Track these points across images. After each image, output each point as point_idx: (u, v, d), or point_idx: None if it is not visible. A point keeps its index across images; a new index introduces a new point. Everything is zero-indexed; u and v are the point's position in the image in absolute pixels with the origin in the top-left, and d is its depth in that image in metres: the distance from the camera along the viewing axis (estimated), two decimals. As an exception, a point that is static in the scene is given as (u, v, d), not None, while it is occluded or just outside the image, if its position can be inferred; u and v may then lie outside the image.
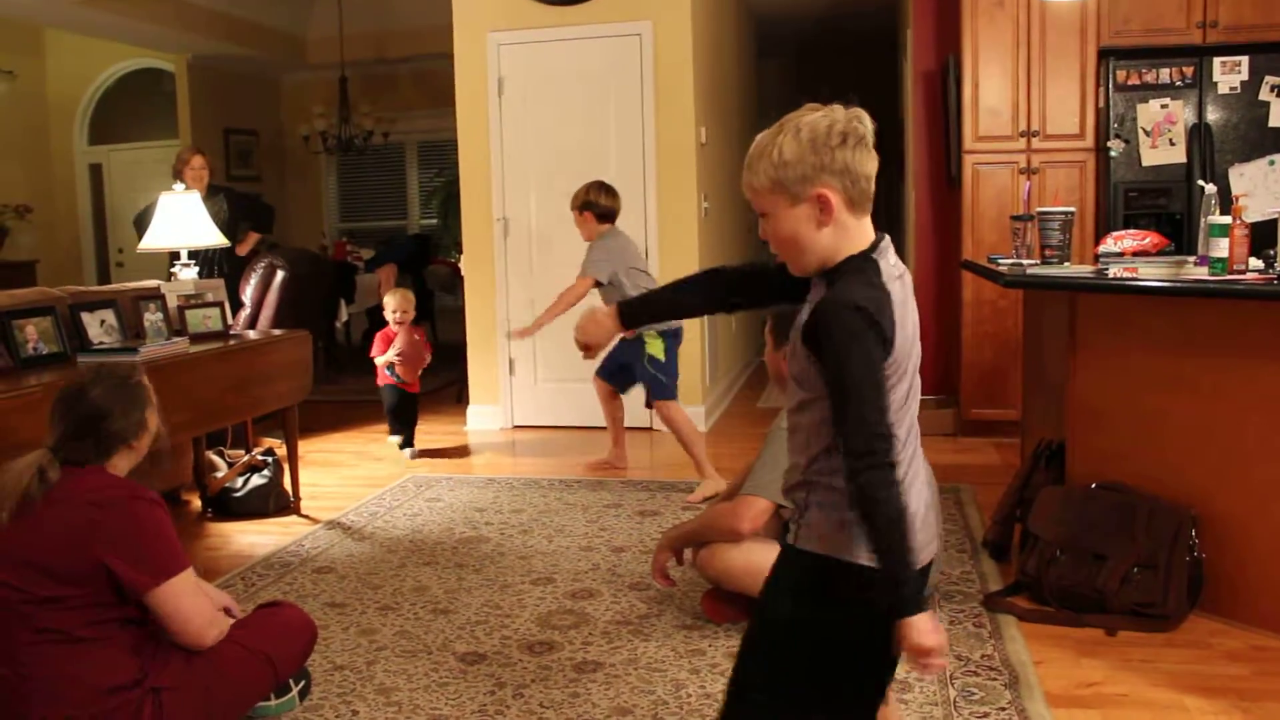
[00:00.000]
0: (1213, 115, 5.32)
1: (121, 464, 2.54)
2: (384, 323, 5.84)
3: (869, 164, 1.69)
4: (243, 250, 6.57)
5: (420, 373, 5.91)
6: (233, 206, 6.49)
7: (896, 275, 1.72)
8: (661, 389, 5.02)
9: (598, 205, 4.99)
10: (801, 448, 1.76)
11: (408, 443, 5.86)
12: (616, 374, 5.18)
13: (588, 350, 2.10)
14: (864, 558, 1.66)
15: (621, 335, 2.53)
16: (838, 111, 1.69)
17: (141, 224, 5.85)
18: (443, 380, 7.63)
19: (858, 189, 1.68)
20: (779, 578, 1.80)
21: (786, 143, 1.67)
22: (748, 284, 2.05)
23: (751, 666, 1.81)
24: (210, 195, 6.30)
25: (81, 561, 2.35)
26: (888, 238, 1.76)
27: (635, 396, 5.28)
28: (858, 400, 1.60)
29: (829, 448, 1.69)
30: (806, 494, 1.75)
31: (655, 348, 4.97)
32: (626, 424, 5.53)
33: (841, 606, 1.71)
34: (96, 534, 2.36)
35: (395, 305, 5.74)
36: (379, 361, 5.80)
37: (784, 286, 1.87)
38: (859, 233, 1.71)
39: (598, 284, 4.97)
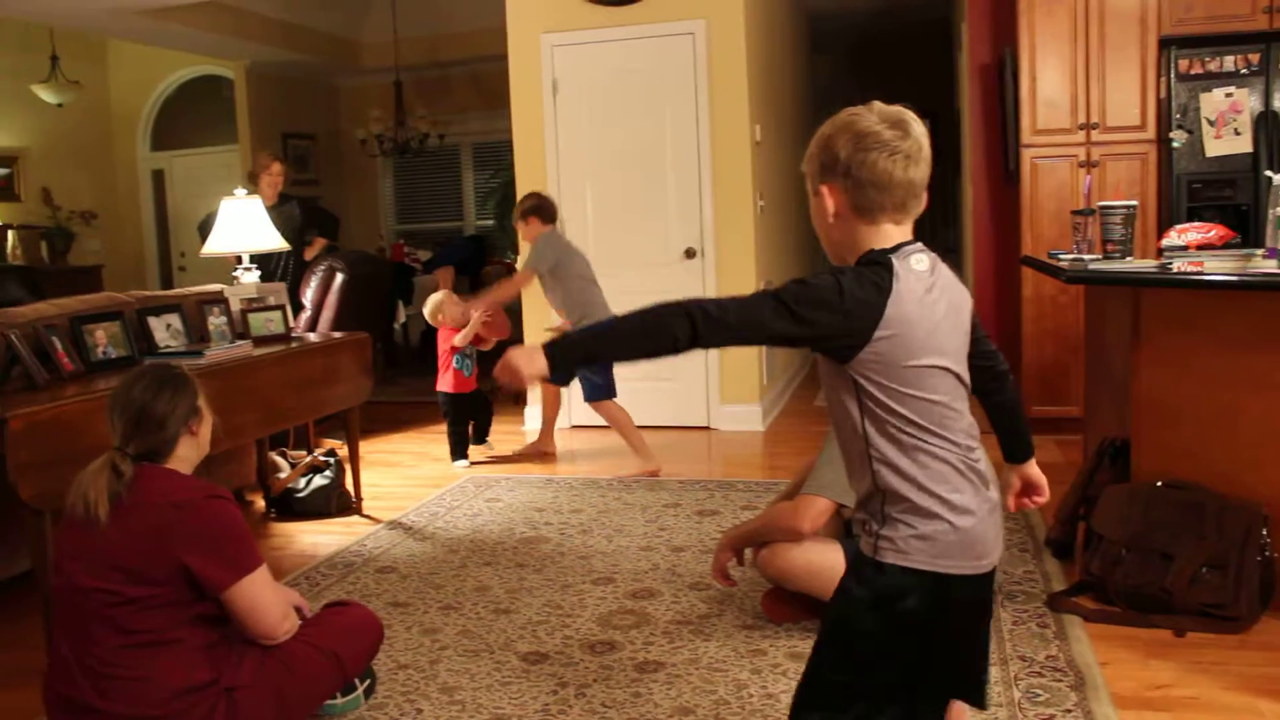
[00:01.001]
0: (1280, 103, 5.21)
1: (187, 454, 2.59)
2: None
3: (888, 172, 1.66)
4: (310, 255, 6.69)
5: (496, 343, 5.73)
6: (304, 213, 6.63)
7: (920, 271, 1.69)
8: (595, 390, 5.36)
9: (543, 210, 5.45)
10: (851, 459, 1.77)
11: (480, 438, 5.87)
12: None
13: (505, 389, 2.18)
14: (942, 566, 1.67)
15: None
16: (871, 113, 1.68)
17: (205, 229, 5.97)
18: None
19: (863, 195, 1.68)
20: (854, 588, 1.78)
21: (816, 136, 1.74)
22: None
23: (828, 674, 1.80)
24: (282, 203, 6.43)
25: (163, 562, 2.40)
26: (920, 245, 1.73)
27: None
28: (775, 292, 1.62)
29: (872, 458, 1.70)
30: (881, 505, 1.73)
31: None
32: (689, 424, 5.53)
33: (918, 616, 1.70)
34: (176, 535, 2.41)
35: (449, 317, 5.63)
36: (458, 341, 5.58)
37: None
38: (877, 237, 1.70)
39: (539, 276, 5.41)
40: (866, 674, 1.76)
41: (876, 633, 1.73)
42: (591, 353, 1.77)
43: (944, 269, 1.75)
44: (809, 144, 1.75)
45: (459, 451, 5.69)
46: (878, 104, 1.71)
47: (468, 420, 5.79)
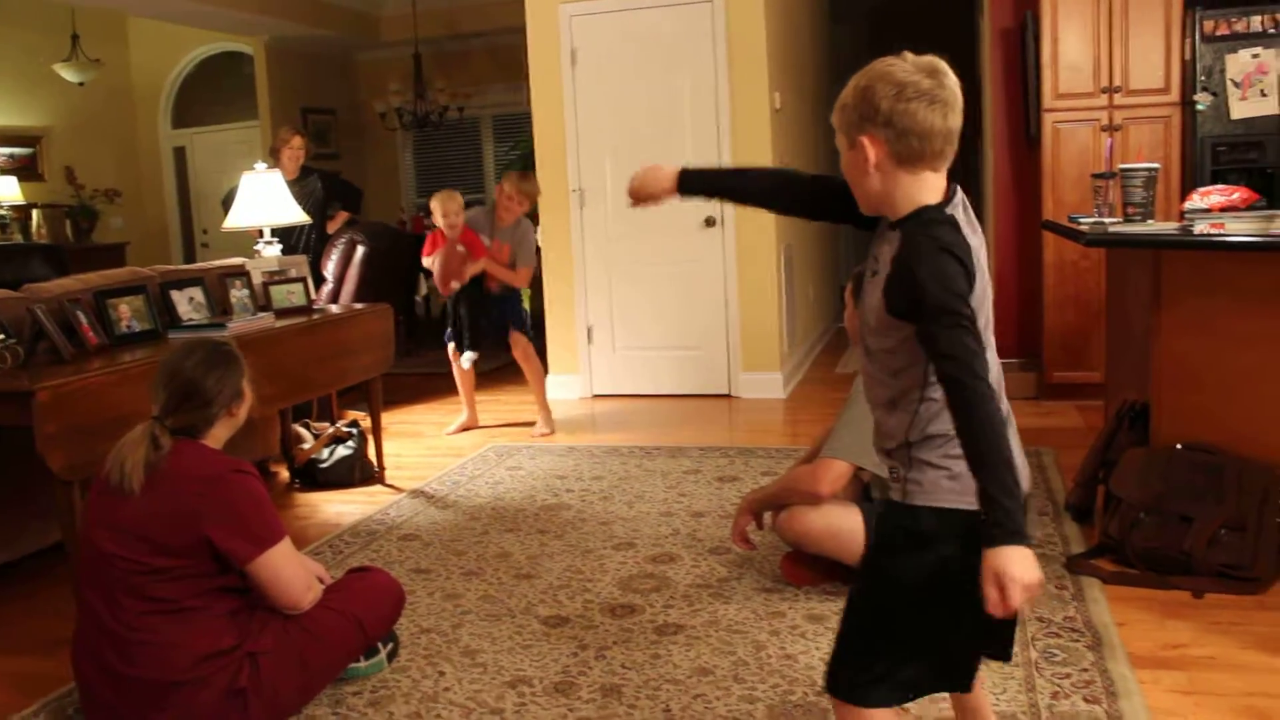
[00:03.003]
0: (1306, 64, 5.14)
1: (222, 433, 2.63)
2: (464, 298, 5.71)
3: (928, 120, 1.66)
4: (332, 229, 6.73)
5: (450, 283, 5.59)
6: (326, 187, 6.65)
7: (968, 223, 1.72)
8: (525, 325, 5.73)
9: (535, 195, 5.79)
10: (894, 407, 1.78)
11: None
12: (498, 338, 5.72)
13: (640, 201, 2.25)
14: (972, 504, 1.68)
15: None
16: (905, 63, 1.69)
17: (229, 204, 6.01)
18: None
19: (905, 144, 1.68)
20: (887, 535, 1.81)
21: (850, 87, 1.73)
22: (813, 192, 2.05)
23: (867, 619, 1.83)
24: (304, 176, 6.45)
25: (187, 535, 2.44)
26: (961, 193, 1.75)
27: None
28: (952, 318, 1.59)
29: (924, 399, 1.72)
30: (909, 452, 1.76)
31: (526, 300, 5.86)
32: (711, 392, 5.66)
33: (952, 556, 1.72)
34: (200, 509, 2.45)
35: (442, 209, 5.52)
36: (426, 263, 5.63)
37: (846, 209, 1.86)
38: (918, 187, 1.71)
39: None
40: (900, 624, 1.78)
41: (912, 578, 1.76)
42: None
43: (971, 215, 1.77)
44: (841, 95, 1.75)
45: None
46: (909, 54, 1.71)
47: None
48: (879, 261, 1.76)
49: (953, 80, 1.69)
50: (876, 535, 1.83)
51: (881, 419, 1.82)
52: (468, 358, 5.71)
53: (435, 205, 5.56)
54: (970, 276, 1.65)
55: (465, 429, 5.84)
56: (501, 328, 5.68)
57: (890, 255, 1.71)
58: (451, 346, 5.77)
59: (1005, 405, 1.77)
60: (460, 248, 5.54)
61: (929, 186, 1.71)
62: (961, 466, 1.67)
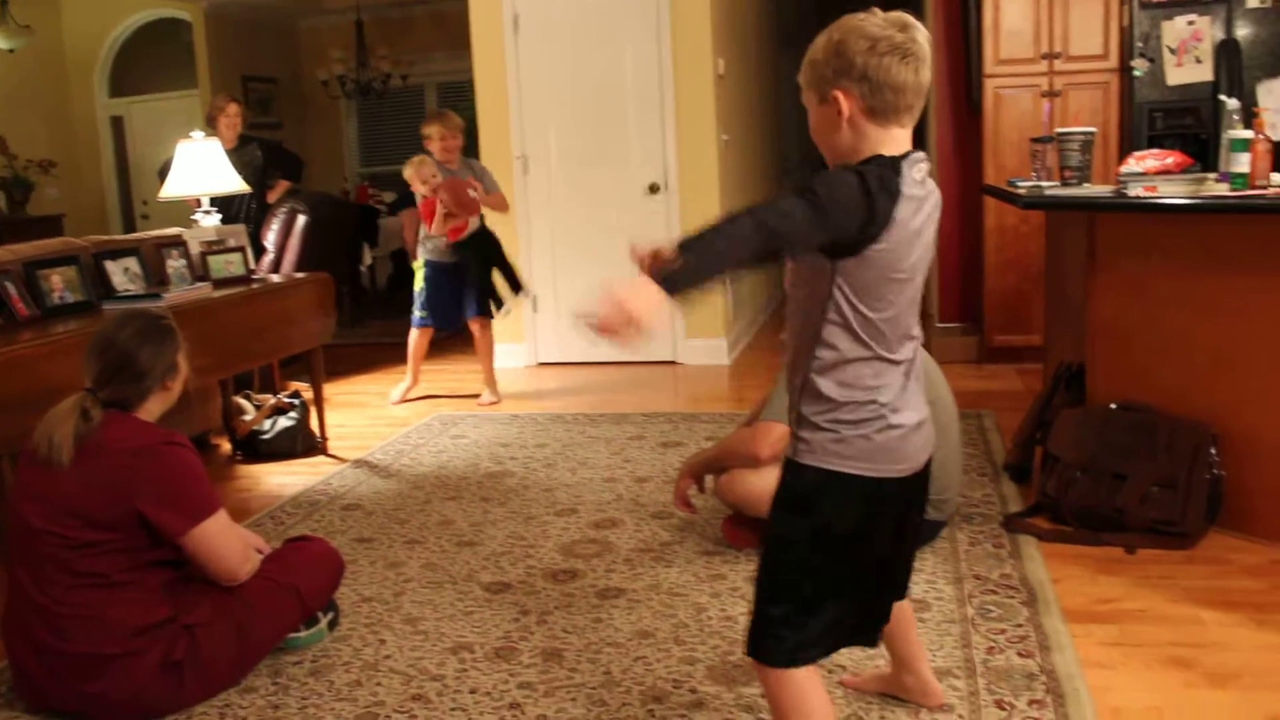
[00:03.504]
0: (1241, 31, 5.20)
1: (156, 407, 2.59)
2: (407, 267, 5.70)
3: (901, 75, 1.67)
4: (272, 198, 6.62)
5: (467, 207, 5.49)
6: (266, 156, 6.54)
7: (918, 181, 1.72)
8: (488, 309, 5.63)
9: (461, 124, 5.64)
10: (795, 368, 1.80)
11: (516, 289, 5.80)
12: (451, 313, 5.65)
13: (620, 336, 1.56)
14: (857, 469, 1.74)
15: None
16: (876, 17, 1.69)
17: (164, 174, 5.90)
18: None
19: (880, 98, 1.68)
20: (782, 491, 1.84)
21: (821, 42, 1.73)
22: None
23: (767, 578, 1.85)
24: (243, 145, 6.35)
25: (117, 509, 2.41)
26: (924, 155, 1.76)
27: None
28: (805, 190, 1.59)
29: (814, 358, 1.74)
30: (800, 409, 1.79)
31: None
32: (655, 359, 5.56)
33: (835, 518, 1.77)
34: (131, 482, 2.41)
35: (419, 176, 5.42)
36: (435, 229, 5.43)
37: None
38: (886, 142, 1.72)
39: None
40: (798, 582, 1.81)
41: (801, 536, 1.80)
42: (709, 269, 1.56)
43: (932, 181, 1.78)
44: (811, 48, 1.75)
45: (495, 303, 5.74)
46: (878, 10, 1.72)
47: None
48: None
49: (923, 34, 1.71)
50: (775, 494, 1.85)
51: (790, 378, 1.84)
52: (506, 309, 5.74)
53: (410, 174, 5.49)
54: (869, 195, 1.62)
55: (408, 394, 5.80)
56: (459, 302, 5.60)
57: None
58: (415, 332, 5.67)
59: (920, 355, 1.82)
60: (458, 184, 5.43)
61: (894, 142, 1.72)
62: (848, 431, 1.73)
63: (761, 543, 1.92)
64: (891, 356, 1.74)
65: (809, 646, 1.83)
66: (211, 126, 6.23)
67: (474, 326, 5.65)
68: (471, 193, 5.44)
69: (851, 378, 1.73)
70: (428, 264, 5.57)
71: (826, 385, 1.74)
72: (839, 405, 1.73)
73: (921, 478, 1.86)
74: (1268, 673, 2.45)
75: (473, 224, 5.52)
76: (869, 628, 1.97)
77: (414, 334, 5.70)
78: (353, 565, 3.31)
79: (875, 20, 1.69)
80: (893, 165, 1.69)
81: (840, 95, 1.70)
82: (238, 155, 5.93)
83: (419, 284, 5.63)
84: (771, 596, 1.83)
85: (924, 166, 1.74)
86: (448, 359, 6.70)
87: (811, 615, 1.80)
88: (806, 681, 1.84)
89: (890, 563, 1.93)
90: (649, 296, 1.50)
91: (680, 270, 1.51)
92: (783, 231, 1.56)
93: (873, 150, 1.71)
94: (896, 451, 1.77)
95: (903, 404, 1.77)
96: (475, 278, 5.58)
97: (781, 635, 1.81)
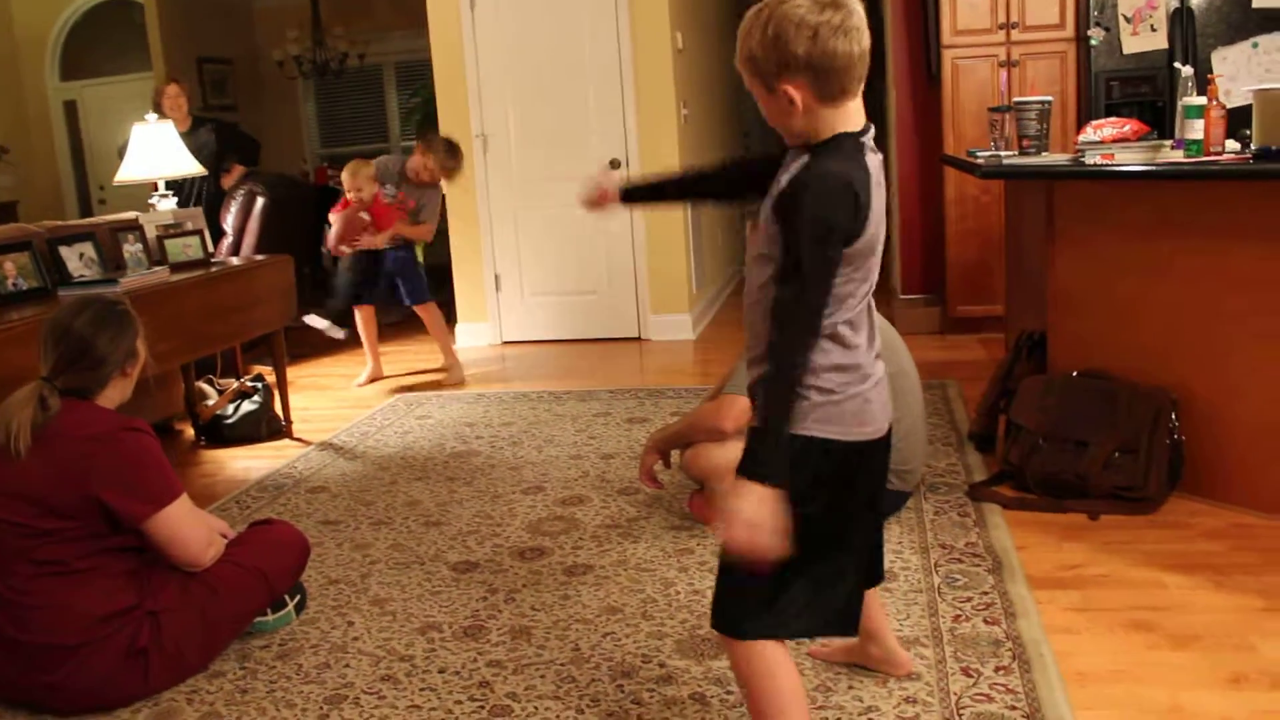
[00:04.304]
0: (1194, -1, 5.24)
1: (115, 394, 2.56)
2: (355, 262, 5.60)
3: (844, 52, 1.66)
4: (228, 183, 6.53)
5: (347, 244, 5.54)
6: (220, 139, 6.46)
7: (875, 155, 1.75)
8: (418, 293, 5.61)
9: (453, 176, 5.65)
10: (756, 332, 1.79)
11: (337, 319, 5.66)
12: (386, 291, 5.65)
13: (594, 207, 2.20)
14: (818, 430, 1.75)
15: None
16: (804, 1, 1.66)
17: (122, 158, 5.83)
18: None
19: (827, 81, 1.68)
20: (741, 460, 1.83)
21: (756, 35, 1.70)
22: (728, 180, 2.14)
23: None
24: (196, 127, 6.26)
25: (76, 496, 2.38)
26: (873, 128, 1.77)
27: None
28: (811, 268, 1.63)
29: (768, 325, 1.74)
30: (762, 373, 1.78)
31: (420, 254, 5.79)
32: (620, 335, 5.56)
33: (802, 481, 1.75)
34: (90, 469, 2.39)
35: (350, 184, 5.48)
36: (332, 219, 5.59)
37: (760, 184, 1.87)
38: (840, 117, 1.72)
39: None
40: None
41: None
42: (780, 440, 1.69)
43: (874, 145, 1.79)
44: (738, 44, 1.74)
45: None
46: None
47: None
48: (780, 183, 1.76)
49: (853, 2, 1.69)
50: (738, 465, 1.85)
51: (750, 348, 1.83)
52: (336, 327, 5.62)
53: (345, 176, 5.51)
54: (860, 208, 1.67)
55: (373, 380, 5.77)
56: (391, 286, 5.60)
57: (796, 171, 1.73)
58: (357, 314, 5.69)
59: (880, 367, 1.83)
60: (365, 215, 5.48)
61: (849, 116, 1.73)
62: (817, 397, 1.74)
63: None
64: (850, 319, 1.75)
65: (775, 620, 1.83)
66: (157, 111, 6.15)
67: (419, 311, 5.64)
68: (369, 238, 5.47)
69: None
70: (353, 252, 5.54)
71: None
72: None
73: (885, 443, 1.87)
74: (1228, 633, 2.48)
75: (378, 241, 5.49)
76: (847, 613, 1.92)
77: (357, 317, 5.68)
78: (319, 547, 3.29)
79: (804, 4, 1.65)
80: (858, 152, 1.71)
81: (789, 88, 1.69)
82: (190, 138, 5.85)
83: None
84: (736, 568, 1.83)
85: (871, 135, 1.76)
86: (410, 340, 6.66)
87: (782, 587, 1.80)
88: (773, 654, 1.84)
89: (854, 538, 1.91)
90: (763, 505, 1.63)
91: (772, 458, 1.66)
92: (815, 328, 1.68)
93: (831, 129, 1.72)
94: (862, 413, 1.78)
95: (869, 367, 1.79)
96: (395, 267, 5.56)
97: (749, 607, 1.82)
